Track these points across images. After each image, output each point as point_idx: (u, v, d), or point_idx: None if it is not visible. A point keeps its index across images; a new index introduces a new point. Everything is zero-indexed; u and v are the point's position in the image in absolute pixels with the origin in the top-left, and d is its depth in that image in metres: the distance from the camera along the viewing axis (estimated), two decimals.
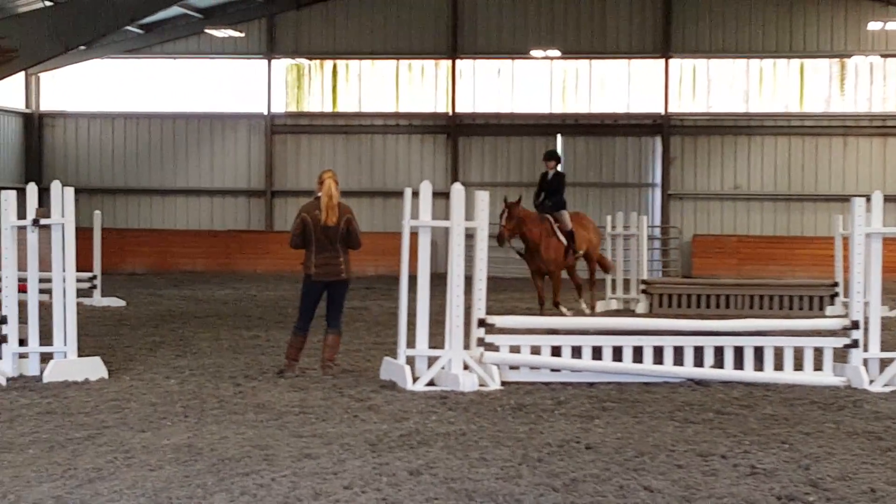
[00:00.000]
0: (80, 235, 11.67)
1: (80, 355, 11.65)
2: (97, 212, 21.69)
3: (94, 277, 21.01)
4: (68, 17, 29.10)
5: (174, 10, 31.54)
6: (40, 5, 29.77)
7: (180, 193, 34.25)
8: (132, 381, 11.38)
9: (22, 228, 11.12)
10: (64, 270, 11.19)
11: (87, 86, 35.06)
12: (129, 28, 30.84)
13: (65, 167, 33.91)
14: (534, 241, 15.78)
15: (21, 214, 10.95)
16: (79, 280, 12.64)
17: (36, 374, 11.22)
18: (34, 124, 35.09)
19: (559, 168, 17.00)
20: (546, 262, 15.99)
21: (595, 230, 17.74)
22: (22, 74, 31.91)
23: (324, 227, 10.89)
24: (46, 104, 35.20)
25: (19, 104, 34.50)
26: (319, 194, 10.87)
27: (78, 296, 11.87)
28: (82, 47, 31.36)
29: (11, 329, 11.05)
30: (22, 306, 11.25)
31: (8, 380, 10.73)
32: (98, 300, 20.78)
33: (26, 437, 8.25)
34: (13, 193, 11.12)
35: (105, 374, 11.52)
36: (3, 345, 11.17)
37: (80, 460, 7.47)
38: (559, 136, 32.36)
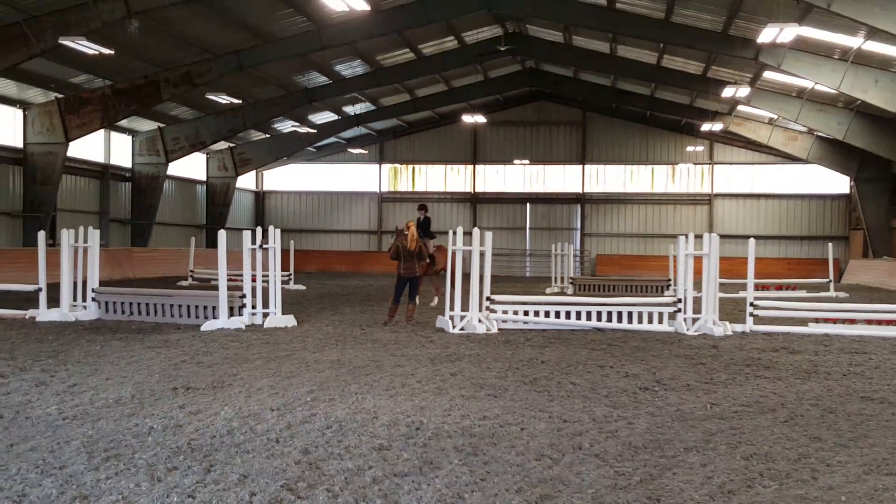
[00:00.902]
0: (283, 254, 17.75)
1: (283, 313, 16.08)
2: (292, 241, 31.81)
3: (290, 274, 28.49)
4: (277, 143, 46.69)
5: (331, 139, 49.18)
6: (263, 136, 46.65)
7: (334, 232, 51.70)
8: (308, 327, 15.51)
9: (253, 249, 16.07)
10: (274, 271, 16.16)
11: (287, 177, 53.13)
12: (308, 148, 49.51)
13: (275, 218, 50.61)
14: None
15: (253, 242, 16.20)
16: (282, 275, 17.23)
17: (259, 323, 15.78)
18: (260, 196, 53.11)
19: (427, 215, 21.47)
20: (418, 272, 17.11)
21: (444, 257, 19.41)
22: (254, 172, 51.03)
23: (407, 250, 16.32)
24: (266, 186, 53.48)
25: (252, 186, 52.84)
26: (406, 232, 16.46)
27: (281, 284, 16.48)
28: (285, 158, 49.83)
29: (248, 300, 15.81)
30: (253, 289, 16.16)
31: (246, 326, 15.28)
32: (291, 286, 27.35)
33: (255, 355, 11.73)
34: (249, 231, 16.26)
35: (295, 324, 15.92)
36: (244, 308, 15.97)
37: (282, 367, 10.72)
38: (528, 204, 49.78)
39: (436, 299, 20.94)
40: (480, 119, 41.85)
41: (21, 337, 14.45)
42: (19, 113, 32.95)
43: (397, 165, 51.95)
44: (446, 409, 8.72)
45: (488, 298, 16.06)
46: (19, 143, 32.83)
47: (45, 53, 25.58)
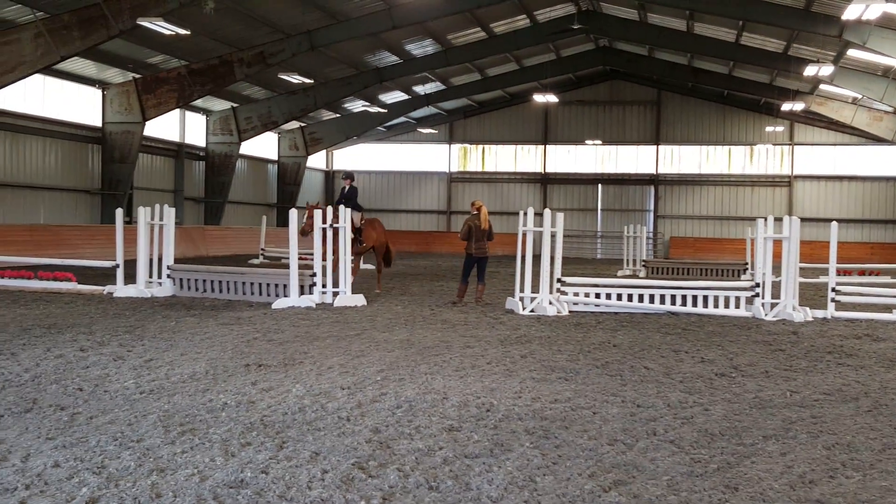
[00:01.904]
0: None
1: (352, 293, 16.25)
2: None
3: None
4: (348, 122, 46.78)
5: (401, 119, 49.27)
6: (334, 116, 46.95)
7: (402, 212, 51.99)
8: (378, 307, 15.79)
9: (324, 228, 16.35)
10: (344, 250, 16.45)
11: (357, 156, 52.99)
12: (378, 128, 49.59)
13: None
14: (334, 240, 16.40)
15: (323, 221, 16.53)
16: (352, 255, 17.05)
17: (330, 302, 15.99)
18: (330, 176, 53.60)
19: (353, 184, 18.79)
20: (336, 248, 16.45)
21: (382, 232, 18.80)
22: (324, 151, 51.41)
23: (479, 229, 16.24)
24: (336, 165, 53.76)
25: (322, 165, 53.34)
26: (475, 212, 16.30)
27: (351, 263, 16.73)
28: (355, 137, 49.88)
29: (318, 279, 16.13)
30: (323, 268, 16.42)
31: (316, 304, 15.60)
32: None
33: (325, 334, 11.90)
34: (319, 211, 16.73)
35: (365, 303, 16.17)
36: (314, 287, 16.15)
37: (352, 346, 10.85)
38: (600, 185, 49.30)
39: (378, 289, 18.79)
40: (552, 98, 41.54)
41: (99, 312, 14.78)
42: (98, 93, 33.69)
43: (467, 145, 51.96)
44: (517, 391, 8.68)
45: (559, 280, 16.02)
46: (98, 123, 33.58)
47: (123, 34, 26.06)
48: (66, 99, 32.31)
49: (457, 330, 13.16)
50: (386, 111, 45.39)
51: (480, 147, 52.00)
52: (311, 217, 16.73)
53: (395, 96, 45.18)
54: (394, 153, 52.99)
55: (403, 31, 32.95)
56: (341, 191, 18.94)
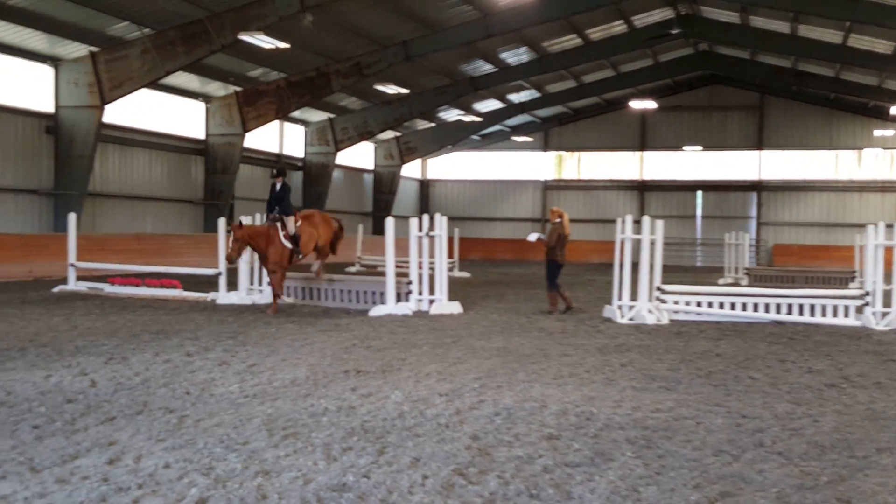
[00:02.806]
0: (448, 241, 16.76)
1: (449, 300, 16.37)
2: (456, 228, 30.47)
3: (454, 262, 28.59)
4: (442, 131, 47.07)
5: (496, 127, 49.33)
6: (428, 125, 46.89)
7: (497, 220, 52.15)
8: (475, 315, 15.93)
9: (420, 236, 16.47)
10: (440, 258, 16.31)
11: (451, 165, 53.76)
12: (472, 137, 49.80)
13: (439, 206, 50.29)
14: (261, 251, 16.05)
15: (420, 229, 16.49)
16: (447, 262, 16.79)
17: (426, 310, 16.07)
18: (425, 185, 54.09)
19: (286, 181, 16.54)
20: (271, 264, 16.02)
21: (326, 225, 17.08)
22: (419, 160, 51.92)
23: (566, 237, 16.43)
24: (430, 174, 54.38)
25: (417, 174, 53.72)
26: (557, 220, 16.23)
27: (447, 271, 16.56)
28: (449, 146, 50.33)
29: (415, 286, 16.14)
30: (420, 276, 16.40)
31: (413, 312, 15.71)
32: (456, 273, 28.04)
33: (422, 341, 12.04)
34: (416, 219, 16.66)
35: (461, 311, 16.31)
36: (410, 294, 16.24)
37: (449, 353, 10.96)
38: (699, 193, 48.57)
39: (314, 267, 17.40)
40: (649, 104, 40.96)
41: (204, 318, 15.11)
42: (201, 106, 34.59)
43: (562, 153, 51.80)
44: (617, 400, 8.55)
45: (658, 288, 15.78)
46: (201, 135, 34.50)
47: (224, 49, 26.78)
48: (170, 112, 33.27)
49: (554, 338, 13.11)
50: (481, 120, 45.42)
51: (576, 154, 51.82)
52: (236, 240, 15.64)
53: (489, 105, 45.25)
54: (488, 162, 53.17)
55: (498, 39, 32.98)
56: (271, 189, 16.62)
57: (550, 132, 51.67)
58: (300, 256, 16.43)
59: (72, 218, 19.99)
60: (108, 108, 27.32)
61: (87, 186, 27.45)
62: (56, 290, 18.90)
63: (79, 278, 19.74)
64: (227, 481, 5.65)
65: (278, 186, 16.43)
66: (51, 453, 6.17)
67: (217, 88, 33.93)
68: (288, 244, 15.99)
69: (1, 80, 26.18)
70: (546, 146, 51.80)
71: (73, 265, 19.68)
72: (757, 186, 48.21)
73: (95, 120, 26.70)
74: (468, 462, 6.17)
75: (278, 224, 16.08)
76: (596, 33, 35.65)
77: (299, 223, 16.65)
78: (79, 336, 12.24)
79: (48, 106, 27.32)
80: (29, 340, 11.61)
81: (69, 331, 12.86)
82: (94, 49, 26.56)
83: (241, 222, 15.64)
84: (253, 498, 5.35)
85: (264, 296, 18.18)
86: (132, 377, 9.24)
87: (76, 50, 26.66)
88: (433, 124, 47.33)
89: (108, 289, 19.11)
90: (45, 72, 27.27)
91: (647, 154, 50.09)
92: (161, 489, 5.46)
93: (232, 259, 15.69)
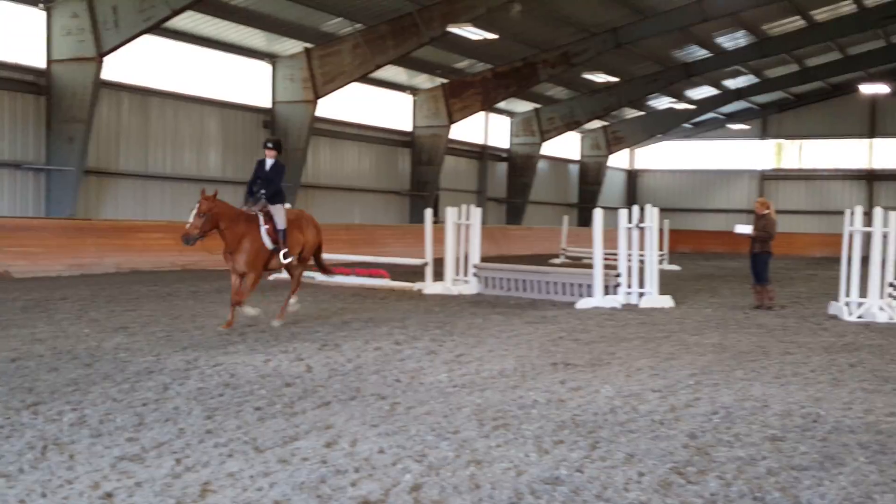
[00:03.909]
0: (659, 233, 16.54)
1: (659, 293, 16.12)
2: (666, 220, 29.38)
3: (664, 254, 27.50)
4: (652, 120, 46.30)
5: (710, 115, 47.93)
6: (637, 114, 46.22)
7: (708, 211, 50.36)
8: (686, 309, 15.66)
9: (629, 228, 16.32)
10: (650, 250, 16.11)
11: (660, 155, 52.94)
12: (684, 125, 48.71)
13: (647, 197, 46.00)
14: (230, 242, 11.51)
15: (629, 221, 16.30)
16: (657, 255, 16.38)
17: (636, 303, 15.88)
18: (633, 175, 53.58)
19: (279, 160, 12.34)
20: (242, 263, 11.60)
21: (315, 231, 12.99)
22: (627, 150, 51.30)
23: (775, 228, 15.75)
24: (638, 164, 53.72)
25: (624, 164, 53.22)
26: (766, 211, 15.63)
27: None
28: (659, 135, 49.42)
29: (623, 279, 16.05)
30: (629, 269, 16.23)
31: (621, 305, 15.64)
32: (666, 266, 26.87)
33: (632, 335, 12.00)
34: (625, 210, 16.37)
35: (672, 305, 15.98)
36: (619, 287, 16.12)
37: (661, 348, 10.65)
38: None
39: (293, 301, 12.75)
40: (881, 88, 38.43)
41: (411, 308, 15.39)
42: (409, 98, 35.39)
43: (781, 141, 49.81)
44: (846, 402, 8.06)
45: (891, 285, 14.82)
46: (408, 127, 35.32)
47: (433, 41, 27.24)
48: (378, 105, 34.21)
49: (774, 335, 12.59)
50: (694, 107, 44.39)
51: (797, 142, 49.66)
52: (200, 215, 11.18)
53: (703, 92, 44.10)
54: (700, 150, 51.85)
55: (714, 23, 31.99)
56: (258, 167, 12.34)
57: (769, 119, 49.82)
58: (285, 262, 12.12)
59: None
60: (320, 101, 28.38)
61: (300, 178, 28.60)
62: (271, 278, 19.53)
63: None
64: (439, 469, 5.67)
65: (269, 163, 12.21)
66: (272, 434, 6.40)
67: (424, 81, 34.60)
68: (269, 242, 11.77)
69: (223, 76, 27.72)
70: (764, 134, 50.00)
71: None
72: None
73: (309, 114, 27.93)
74: (686, 461, 5.99)
75: (261, 214, 11.83)
76: (822, 14, 33.86)
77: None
78: (293, 322, 12.65)
79: (266, 101, 28.65)
80: (248, 326, 12.04)
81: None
82: (308, 45, 27.72)
83: (216, 193, 11.43)
84: (466, 486, 5.34)
85: (469, 286, 18.30)
86: (345, 363, 9.47)
87: (292, 47, 27.88)
88: (642, 113, 46.63)
89: (318, 277, 19.76)
90: (264, 68, 28.65)
91: (878, 141, 47.41)
92: (377, 473, 5.53)
93: (191, 237, 11.09)
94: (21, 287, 16.66)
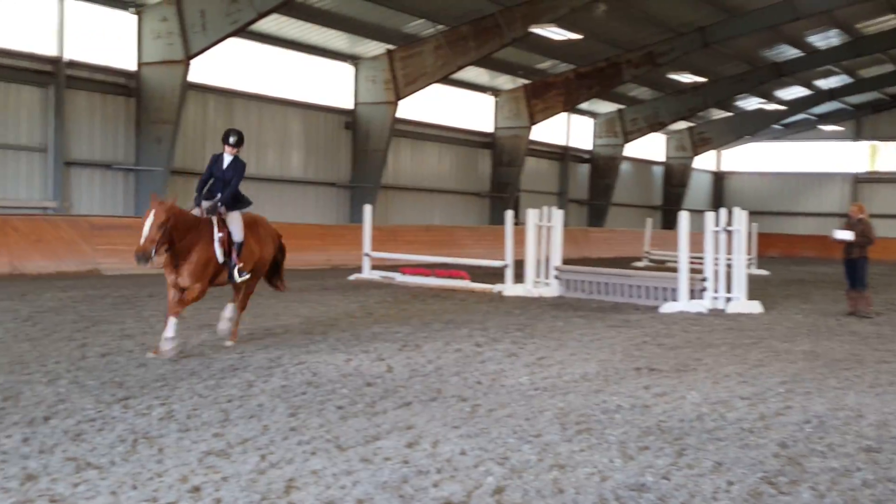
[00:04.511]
0: (747, 236, 16.30)
1: (748, 298, 15.86)
2: (754, 224, 27.04)
3: (751, 258, 26.71)
4: (740, 121, 44.84)
5: (801, 116, 46.74)
6: (724, 114, 45.31)
7: (798, 215, 48.83)
8: (776, 315, 15.35)
9: (716, 231, 16.01)
10: (738, 254, 15.91)
11: (748, 156, 51.89)
12: (773, 126, 47.45)
13: (734, 199, 46.51)
14: (179, 252, 9.32)
15: (716, 224, 15.90)
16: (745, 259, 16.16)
17: (722, 308, 15.63)
18: (719, 177, 52.58)
19: (238, 156, 10.08)
20: (187, 275, 9.36)
21: (272, 241, 10.80)
22: (713, 151, 50.14)
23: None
24: (725, 166, 52.69)
25: (710, 166, 52.11)
26: (861, 215, 15.38)
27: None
28: (747, 136, 48.14)
29: (710, 284, 15.80)
30: (716, 273, 15.81)
31: (708, 310, 15.42)
32: (754, 270, 26.03)
33: (718, 340, 11.86)
34: (712, 213, 16.27)
35: (761, 310, 15.69)
36: (705, 291, 15.81)
37: (749, 355, 10.57)
38: None
39: (229, 315, 10.38)
40: None
41: (491, 310, 15.33)
42: (489, 99, 35.36)
43: (876, 143, 48.41)
44: None
45: None
46: (488, 128, 35.29)
47: (515, 42, 27.16)
48: (459, 106, 34.22)
49: (868, 343, 12.27)
50: (783, 108, 43.45)
51: (893, 144, 48.17)
52: (161, 224, 8.94)
53: (793, 92, 43.09)
54: (790, 152, 50.76)
55: (806, 21, 31.24)
56: (213, 162, 10.22)
57: (863, 120, 48.41)
58: (238, 277, 9.91)
59: (367, 209, 20.67)
60: (401, 103, 28.52)
61: (380, 179, 28.84)
62: (352, 277, 19.80)
63: (372, 267, 20.60)
64: (522, 472, 5.62)
65: (227, 160, 10.06)
66: (354, 433, 6.43)
67: (505, 82, 34.52)
68: (220, 254, 9.63)
69: (306, 78, 28.00)
70: (858, 135, 48.64)
71: (367, 254, 20.62)
72: None
73: (390, 115, 28.13)
74: (777, 470, 5.86)
75: (214, 219, 9.75)
76: None
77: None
78: (374, 322, 12.76)
79: (347, 102, 28.92)
80: (330, 325, 12.18)
81: (365, 317, 13.44)
82: (390, 47, 27.89)
83: (175, 199, 9.40)
84: (549, 490, 5.28)
85: (551, 289, 18.16)
86: (425, 364, 9.48)
87: (374, 48, 28.08)
88: (730, 113, 45.84)
89: (399, 278, 19.88)
90: (346, 70, 28.91)
91: None
92: (458, 475, 5.50)
93: (146, 254, 8.84)
94: (111, 284, 17.08)
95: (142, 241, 8.85)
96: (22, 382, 7.73)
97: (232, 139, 10.03)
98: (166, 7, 21.62)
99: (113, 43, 22.25)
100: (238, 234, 9.88)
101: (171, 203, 9.15)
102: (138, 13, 22.19)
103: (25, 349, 9.45)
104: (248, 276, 10.05)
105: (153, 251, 8.88)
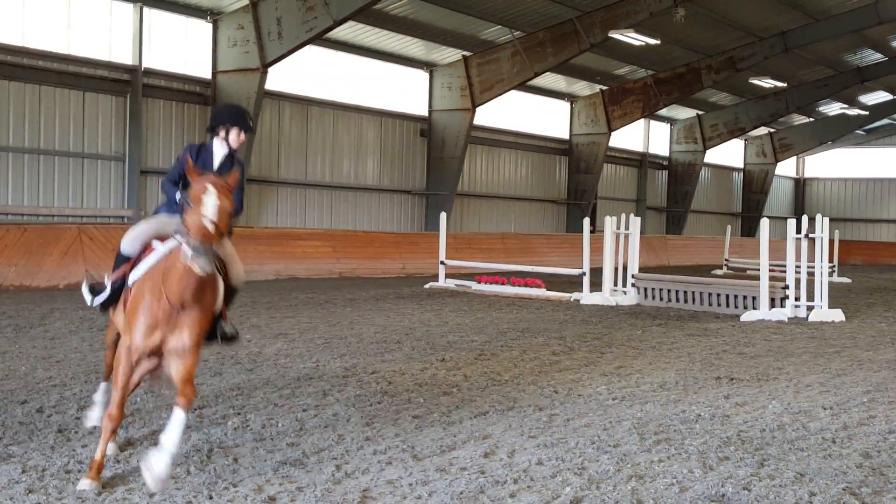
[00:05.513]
0: (829, 244, 16.31)
1: (829, 307, 15.69)
2: (836, 231, 27.13)
3: (833, 266, 26.64)
4: (822, 126, 44.11)
5: (885, 121, 45.76)
6: (806, 120, 44.43)
7: (882, 221, 48.21)
8: (858, 323, 15.09)
9: (798, 238, 15.93)
10: (820, 262, 15.85)
11: (830, 163, 50.27)
12: (857, 132, 46.68)
13: (816, 206, 45.78)
14: (178, 291, 5.41)
15: (798, 231, 15.77)
16: (827, 267, 16.00)
17: (803, 316, 15.50)
18: (801, 183, 51.60)
19: (235, 149, 6.26)
20: (186, 338, 5.46)
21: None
22: (794, 158, 49.60)
23: None
24: (807, 173, 51.44)
25: (791, 173, 51.25)
26: None
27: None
28: (829, 142, 46.79)
29: (791, 291, 15.64)
30: (797, 281, 15.62)
31: (789, 318, 15.22)
32: (835, 278, 25.86)
33: (800, 349, 11.75)
34: (793, 220, 15.98)
35: (843, 319, 15.50)
36: (786, 300, 15.64)
37: (831, 364, 10.52)
38: None
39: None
40: None
41: (568, 318, 15.25)
42: (566, 106, 35.24)
43: None
44: None
45: None
46: (565, 135, 35.14)
47: (593, 48, 27.02)
48: (536, 113, 34.17)
49: None
50: (867, 113, 42.60)
51: None
52: (221, 230, 5.31)
53: (877, 97, 42.21)
54: (874, 158, 49.64)
55: (890, 26, 30.66)
56: (192, 156, 6.05)
57: None
58: (226, 344, 6.09)
59: (443, 217, 20.76)
60: (478, 110, 28.55)
61: (456, 187, 28.94)
62: (427, 286, 19.86)
63: (447, 275, 20.67)
64: (600, 482, 5.58)
65: (219, 155, 6.27)
66: (430, 443, 6.44)
67: (582, 88, 34.38)
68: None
69: (381, 85, 28.24)
70: None
71: (443, 263, 20.71)
72: None
73: (466, 122, 28.19)
74: (860, 481, 5.75)
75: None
76: None
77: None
78: (449, 331, 12.79)
79: (423, 109, 29.10)
80: (405, 334, 12.23)
81: (440, 326, 13.47)
82: (466, 53, 27.99)
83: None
84: (627, 501, 5.24)
85: (628, 297, 17.99)
86: (501, 373, 9.45)
87: (450, 55, 28.21)
88: (812, 119, 45.13)
89: (474, 286, 19.89)
90: (421, 77, 29.08)
91: None
92: (535, 485, 5.48)
93: (213, 247, 5.26)
94: None
95: (207, 222, 5.16)
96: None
97: (241, 123, 6.18)
98: (243, 15, 21.93)
99: (189, 51, 22.73)
100: (238, 275, 6.06)
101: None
102: (214, 21, 22.56)
103: (101, 358, 9.59)
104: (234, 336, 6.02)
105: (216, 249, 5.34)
